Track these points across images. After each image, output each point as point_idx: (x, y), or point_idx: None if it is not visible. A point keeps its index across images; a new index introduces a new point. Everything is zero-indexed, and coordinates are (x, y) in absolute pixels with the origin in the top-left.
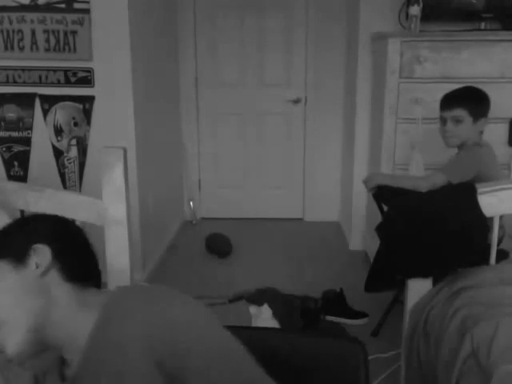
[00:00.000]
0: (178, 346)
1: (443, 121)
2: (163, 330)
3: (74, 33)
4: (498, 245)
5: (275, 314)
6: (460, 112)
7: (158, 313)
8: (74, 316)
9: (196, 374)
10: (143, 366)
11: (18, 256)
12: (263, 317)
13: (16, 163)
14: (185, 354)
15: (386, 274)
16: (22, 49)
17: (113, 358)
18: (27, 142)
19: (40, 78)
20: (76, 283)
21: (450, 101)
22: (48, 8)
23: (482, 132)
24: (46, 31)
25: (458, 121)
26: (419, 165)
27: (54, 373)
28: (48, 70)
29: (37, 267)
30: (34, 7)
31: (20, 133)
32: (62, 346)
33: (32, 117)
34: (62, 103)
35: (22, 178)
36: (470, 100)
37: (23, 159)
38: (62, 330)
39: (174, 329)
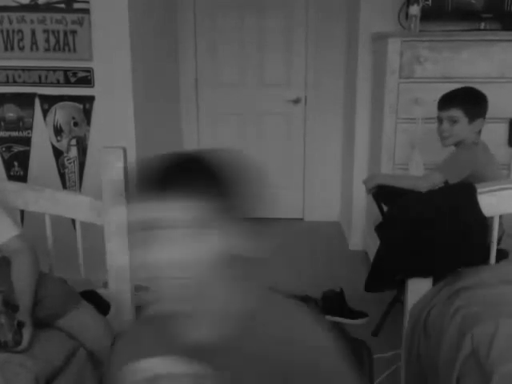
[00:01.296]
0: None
1: (440, 120)
2: (303, 366)
3: (73, 33)
4: (498, 244)
5: None
6: (455, 112)
7: (301, 346)
8: None
9: None
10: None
11: None
12: None
13: (16, 163)
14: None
15: (386, 273)
16: (21, 49)
17: (244, 359)
18: (27, 142)
19: (40, 77)
20: None
21: (446, 101)
22: (48, 8)
23: (479, 132)
24: (45, 31)
25: (453, 121)
26: (419, 165)
27: None
28: (48, 69)
29: None
30: (33, 7)
31: (20, 133)
32: None
33: (32, 117)
34: (61, 103)
35: (22, 178)
36: (466, 100)
37: (23, 159)
38: None
39: (313, 366)
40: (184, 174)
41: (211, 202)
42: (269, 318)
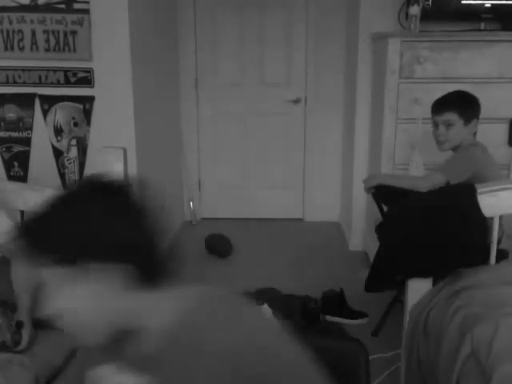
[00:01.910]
0: (262, 372)
1: (435, 125)
2: (252, 353)
3: (73, 33)
4: (498, 244)
5: (275, 314)
6: (450, 116)
7: (250, 335)
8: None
9: None
10: (217, 377)
11: None
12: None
13: (16, 163)
14: (266, 379)
15: (386, 274)
16: (21, 49)
17: (187, 360)
18: (27, 142)
19: (40, 78)
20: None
21: (440, 105)
22: (48, 8)
23: (475, 133)
24: (45, 31)
25: (449, 125)
26: (419, 165)
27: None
28: (48, 70)
29: None
30: (33, 7)
31: (20, 133)
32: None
33: (32, 117)
34: (61, 103)
35: (22, 179)
36: (459, 103)
37: (23, 159)
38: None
39: (263, 353)
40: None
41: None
42: (210, 319)
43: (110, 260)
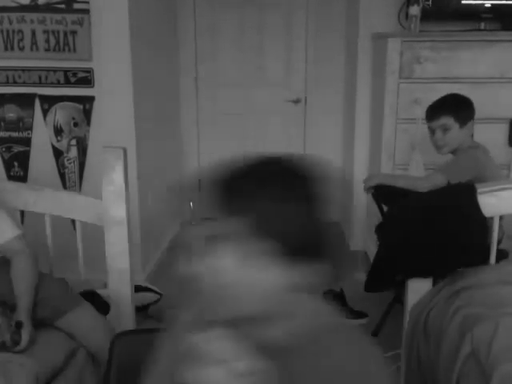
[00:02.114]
0: None
1: (432, 131)
2: None
3: (73, 33)
4: (498, 245)
5: None
6: (446, 120)
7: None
8: None
9: None
10: None
11: None
12: None
13: (16, 163)
14: None
15: (386, 274)
16: (21, 49)
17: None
18: (27, 142)
19: (40, 78)
20: None
21: (435, 110)
22: (48, 8)
23: (472, 135)
24: (45, 31)
25: (445, 129)
26: (419, 165)
27: None
28: (48, 70)
29: None
30: (33, 7)
31: (20, 133)
32: None
33: (32, 117)
34: (61, 103)
35: (22, 179)
36: (454, 106)
37: (23, 159)
38: None
39: None
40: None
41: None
42: (333, 341)
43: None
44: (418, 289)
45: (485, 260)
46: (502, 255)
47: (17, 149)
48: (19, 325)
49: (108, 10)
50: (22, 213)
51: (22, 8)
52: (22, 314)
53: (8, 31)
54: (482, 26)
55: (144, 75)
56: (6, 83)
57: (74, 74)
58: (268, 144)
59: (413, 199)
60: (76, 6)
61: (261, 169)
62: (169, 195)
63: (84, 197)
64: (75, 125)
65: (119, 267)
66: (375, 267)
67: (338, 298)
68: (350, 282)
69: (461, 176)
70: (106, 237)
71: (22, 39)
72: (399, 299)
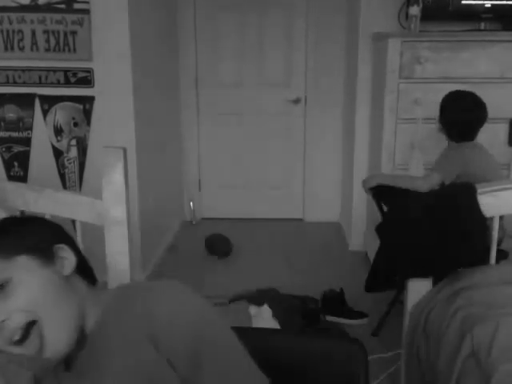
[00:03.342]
0: (191, 342)
1: None
2: (177, 326)
3: (73, 33)
4: (499, 245)
5: (275, 315)
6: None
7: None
8: (88, 311)
9: (208, 372)
10: (151, 358)
11: (46, 254)
12: (263, 317)
13: (16, 163)
14: (198, 350)
15: (387, 274)
16: (22, 49)
17: (118, 349)
18: (27, 142)
19: (40, 78)
20: (88, 281)
21: None
22: (48, 8)
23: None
24: (45, 31)
25: None
26: (419, 165)
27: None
28: (48, 70)
29: (62, 267)
30: (33, 7)
31: (20, 133)
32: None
33: (32, 117)
34: (61, 103)
35: (22, 179)
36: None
37: (23, 159)
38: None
39: (192, 327)
40: None
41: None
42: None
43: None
44: (418, 289)
45: (485, 260)
46: (502, 255)
47: (17, 149)
48: None
49: (108, 10)
50: (22, 213)
51: (22, 8)
52: None
53: (8, 31)
54: (482, 26)
55: (144, 75)
56: (6, 83)
57: (74, 74)
58: (268, 144)
59: (413, 199)
60: (76, 6)
61: None
62: None
63: (84, 197)
64: (75, 125)
65: (119, 267)
66: (375, 267)
67: (337, 297)
68: (350, 281)
69: (450, 171)
70: (106, 237)
71: (22, 39)
72: (399, 299)
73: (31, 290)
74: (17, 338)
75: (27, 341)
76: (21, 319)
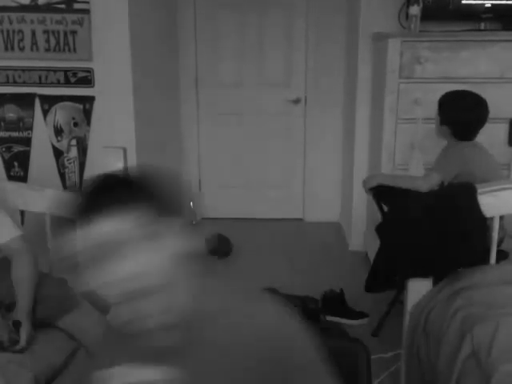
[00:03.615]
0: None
1: None
2: (276, 347)
3: (73, 33)
4: (499, 246)
5: None
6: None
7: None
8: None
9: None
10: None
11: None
12: None
13: (16, 163)
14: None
15: (387, 274)
16: (22, 49)
17: (213, 352)
18: (27, 142)
19: (40, 78)
20: None
21: None
22: (48, 8)
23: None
24: (45, 31)
25: None
26: (419, 165)
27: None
28: (48, 70)
29: None
30: (34, 7)
31: (20, 133)
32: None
33: (32, 117)
34: (61, 103)
35: (22, 179)
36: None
37: (23, 159)
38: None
39: (286, 347)
40: (106, 192)
41: (143, 210)
42: (234, 315)
43: None
44: (418, 289)
45: (485, 260)
46: (502, 255)
47: (17, 149)
48: (17, 324)
49: (108, 10)
50: (22, 213)
51: (22, 8)
52: (22, 314)
53: (8, 31)
54: (482, 26)
55: (144, 75)
56: (6, 83)
57: (74, 74)
58: (268, 144)
59: (413, 199)
60: (76, 6)
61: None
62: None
63: None
64: (75, 125)
65: None
66: (375, 267)
67: (338, 298)
68: (350, 281)
69: (449, 170)
70: None
71: (22, 39)
72: (399, 299)
73: None
74: None
75: None
76: None
